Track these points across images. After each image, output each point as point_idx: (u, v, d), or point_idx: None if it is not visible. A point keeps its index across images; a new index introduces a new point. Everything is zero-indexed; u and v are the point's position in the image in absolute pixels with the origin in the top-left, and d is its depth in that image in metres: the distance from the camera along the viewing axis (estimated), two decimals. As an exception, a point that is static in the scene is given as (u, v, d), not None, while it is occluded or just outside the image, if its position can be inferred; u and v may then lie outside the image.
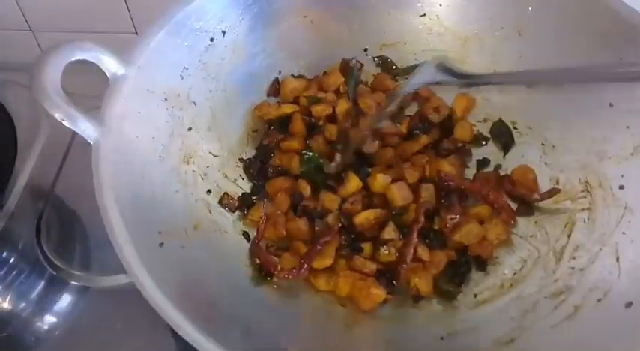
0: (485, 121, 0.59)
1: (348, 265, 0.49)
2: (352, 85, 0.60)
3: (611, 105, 0.48)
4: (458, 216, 0.50)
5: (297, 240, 0.51)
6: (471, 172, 0.56)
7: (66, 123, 0.42)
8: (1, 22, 0.77)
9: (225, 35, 0.56)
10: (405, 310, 0.48)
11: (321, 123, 0.57)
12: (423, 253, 0.48)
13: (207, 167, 0.54)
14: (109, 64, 0.46)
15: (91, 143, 0.43)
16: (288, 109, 0.58)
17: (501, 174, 0.55)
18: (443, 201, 0.52)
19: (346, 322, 0.47)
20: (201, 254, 0.47)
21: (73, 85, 0.45)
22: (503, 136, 0.57)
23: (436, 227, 0.51)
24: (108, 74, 0.46)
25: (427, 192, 0.51)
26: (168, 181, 0.49)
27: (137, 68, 0.47)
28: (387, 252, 0.49)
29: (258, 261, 0.50)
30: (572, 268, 0.46)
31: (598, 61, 0.48)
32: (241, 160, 0.58)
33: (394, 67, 0.62)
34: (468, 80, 0.52)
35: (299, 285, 0.49)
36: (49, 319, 0.55)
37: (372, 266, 0.49)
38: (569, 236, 0.48)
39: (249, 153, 0.58)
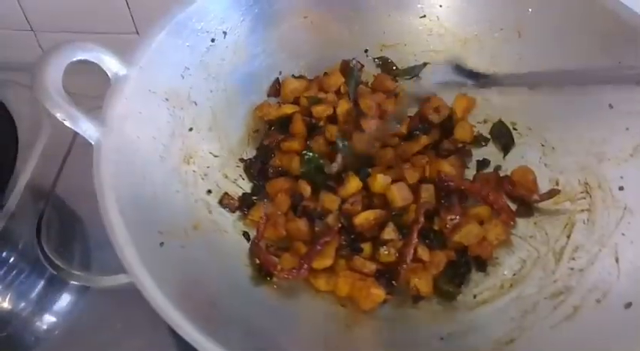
0: (485, 121, 0.59)
1: (348, 265, 0.49)
2: (352, 86, 0.60)
3: (610, 106, 0.49)
4: (458, 216, 0.50)
5: (297, 240, 0.51)
6: (470, 173, 0.56)
7: (67, 123, 0.42)
8: (2, 22, 0.77)
9: (227, 36, 0.56)
10: (404, 310, 0.48)
11: (321, 123, 0.57)
12: (423, 253, 0.48)
13: (208, 167, 0.54)
14: (111, 64, 0.46)
15: (93, 143, 0.43)
16: (288, 109, 0.58)
17: (501, 175, 0.55)
18: (443, 201, 0.52)
19: (346, 323, 0.47)
20: (201, 254, 0.47)
21: (75, 85, 0.45)
22: (503, 136, 0.57)
23: (436, 228, 0.51)
24: (109, 74, 0.46)
25: (427, 192, 0.52)
26: (169, 181, 0.49)
27: (138, 68, 0.47)
28: (386, 252, 0.49)
29: (258, 261, 0.50)
30: (572, 268, 0.46)
31: (600, 64, 0.48)
32: (242, 160, 0.58)
33: (394, 67, 0.62)
34: (485, 81, 0.51)
35: (299, 285, 0.49)
36: (49, 318, 0.55)
37: (371, 266, 0.49)
38: (568, 237, 0.48)
39: (250, 153, 0.58)
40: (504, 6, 0.56)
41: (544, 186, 0.53)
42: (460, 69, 0.51)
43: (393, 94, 0.60)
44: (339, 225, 0.50)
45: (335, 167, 0.53)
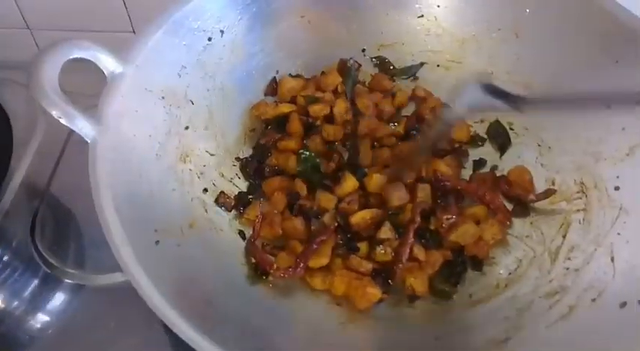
0: (482, 121, 0.59)
1: (344, 264, 0.49)
2: (350, 85, 0.60)
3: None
4: (454, 216, 0.50)
5: (293, 239, 0.51)
6: (467, 173, 0.56)
7: (63, 121, 0.42)
8: (-2, 20, 0.77)
9: (224, 35, 0.56)
10: (400, 309, 0.48)
11: (318, 123, 0.57)
12: (419, 252, 0.48)
13: (204, 166, 0.54)
14: (107, 62, 0.46)
15: (89, 141, 0.43)
16: (285, 108, 0.58)
17: (498, 174, 0.55)
18: (439, 201, 0.52)
19: (341, 321, 0.47)
20: (197, 253, 0.47)
21: (71, 83, 0.45)
22: (499, 136, 0.57)
23: (432, 227, 0.51)
24: (105, 73, 0.46)
25: (423, 192, 0.52)
26: (165, 180, 0.49)
27: (135, 67, 0.47)
28: (382, 251, 0.49)
29: (254, 260, 0.49)
30: (568, 268, 0.46)
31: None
32: (238, 159, 0.58)
33: (392, 67, 0.62)
34: (517, 104, 0.44)
35: (295, 284, 0.49)
36: (43, 317, 0.55)
37: (367, 266, 0.49)
38: (564, 237, 0.48)
39: (246, 152, 0.58)
40: (502, 6, 0.56)
41: (540, 186, 0.53)
42: (490, 89, 0.45)
43: (390, 94, 0.60)
44: (336, 224, 0.50)
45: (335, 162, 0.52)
